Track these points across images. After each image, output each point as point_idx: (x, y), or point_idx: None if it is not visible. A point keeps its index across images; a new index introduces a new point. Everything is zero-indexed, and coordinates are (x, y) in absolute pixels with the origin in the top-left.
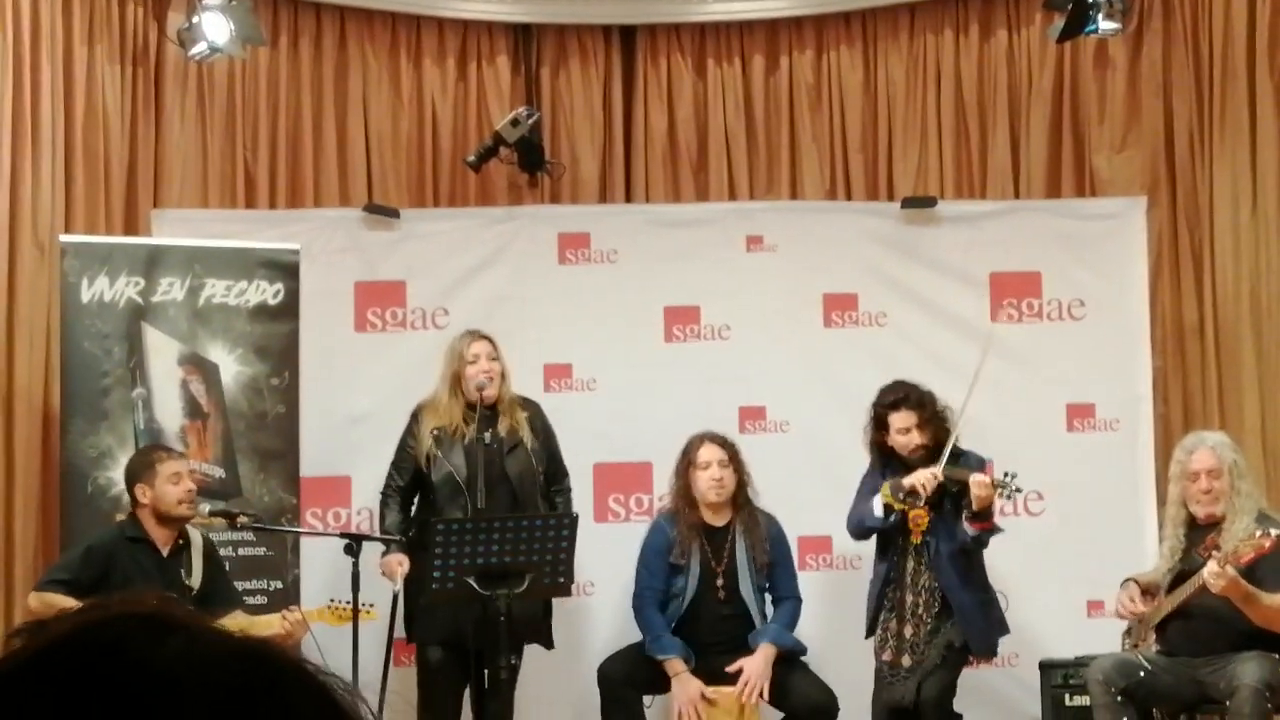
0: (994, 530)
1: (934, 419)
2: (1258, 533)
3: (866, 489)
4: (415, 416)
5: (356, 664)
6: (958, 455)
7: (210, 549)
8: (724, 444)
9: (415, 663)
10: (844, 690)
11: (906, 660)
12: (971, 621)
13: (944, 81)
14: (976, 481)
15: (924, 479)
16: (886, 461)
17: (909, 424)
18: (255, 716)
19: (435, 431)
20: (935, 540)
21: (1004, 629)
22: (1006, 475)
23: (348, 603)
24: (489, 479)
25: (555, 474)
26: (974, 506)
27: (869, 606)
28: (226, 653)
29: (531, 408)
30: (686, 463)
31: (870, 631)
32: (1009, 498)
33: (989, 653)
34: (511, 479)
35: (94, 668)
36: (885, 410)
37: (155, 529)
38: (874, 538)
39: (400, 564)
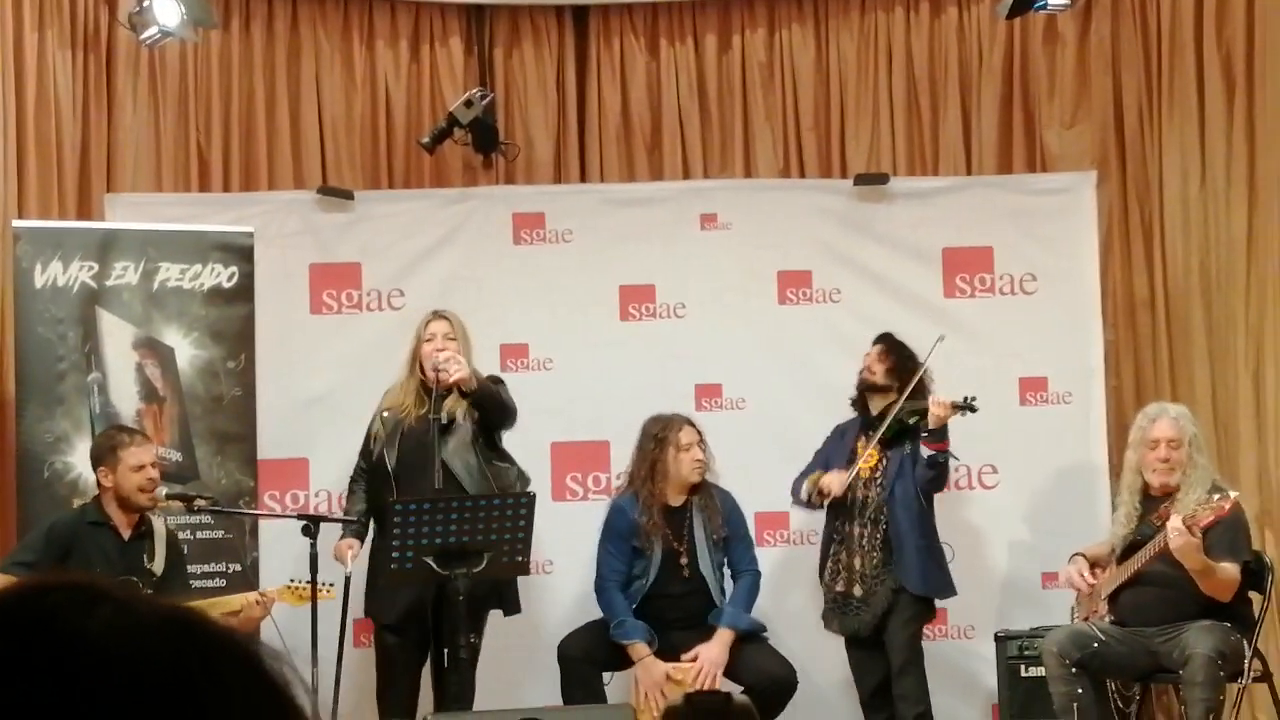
0: (949, 455)
1: (899, 355)
2: (1215, 496)
3: (820, 460)
4: (383, 398)
5: (315, 643)
6: (918, 411)
7: (173, 538)
8: (695, 426)
9: (374, 643)
10: (803, 663)
11: (858, 590)
12: (909, 560)
13: (895, 59)
14: (935, 401)
15: (833, 481)
16: (865, 413)
17: (875, 354)
18: (185, 686)
19: (385, 414)
20: (891, 479)
21: (947, 585)
22: (966, 397)
23: (307, 582)
24: (419, 468)
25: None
26: (930, 424)
27: (822, 543)
28: (157, 620)
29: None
30: (660, 442)
31: (822, 571)
32: (964, 414)
33: (927, 598)
34: (447, 463)
35: (24, 639)
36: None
37: (116, 513)
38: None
39: (350, 548)
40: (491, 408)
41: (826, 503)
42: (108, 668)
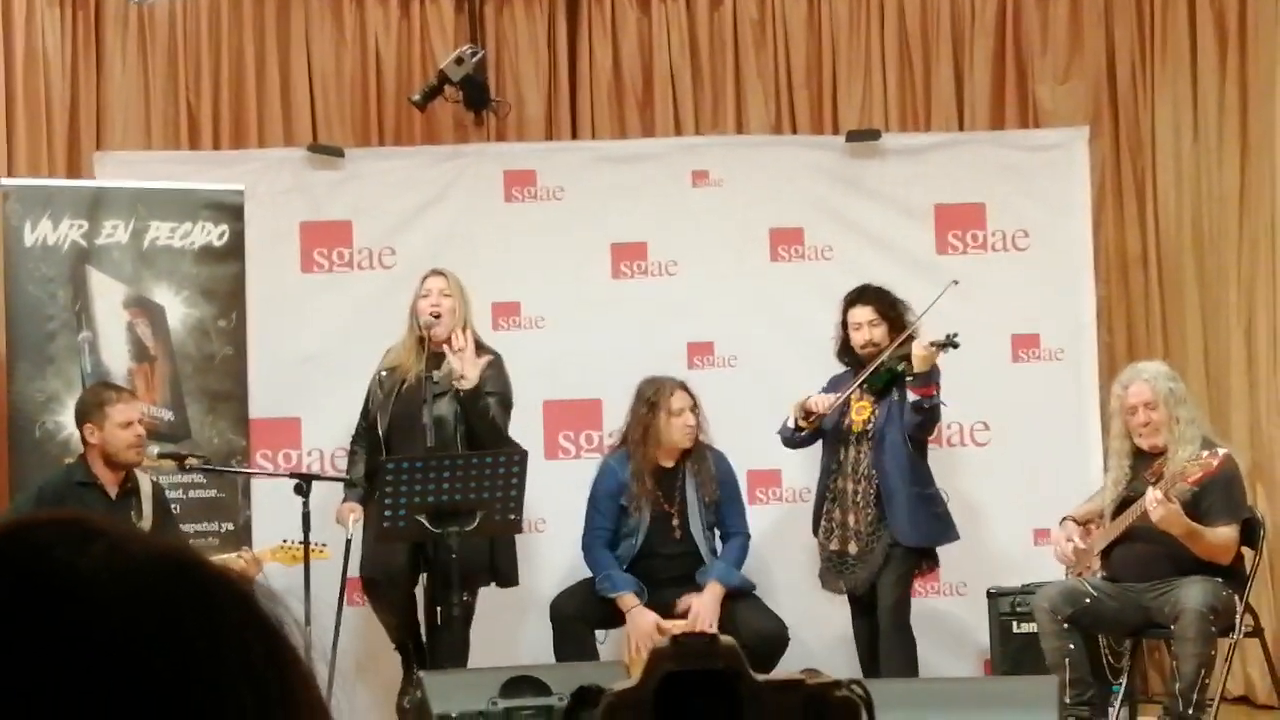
0: (936, 400)
1: (891, 314)
2: (1204, 453)
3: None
4: (383, 357)
5: (308, 603)
6: (905, 357)
7: (159, 494)
8: (688, 390)
9: (365, 595)
10: (794, 620)
11: (853, 548)
12: (900, 512)
13: (887, 15)
14: (918, 344)
15: (821, 401)
16: (855, 363)
17: (865, 318)
18: (179, 620)
19: (384, 374)
20: (879, 429)
21: (944, 532)
22: (948, 335)
23: (300, 542)
24: (408, 429)
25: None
26: (914, 367)
27: (815, 500)
28: (150, 558)
29: (488, 358)
30: (651, 406)
31: (816, 526)
32: (947, 351)
33: (923, 546)
34: (433, 425)
35: (13, 576)
36: (848, 306)
37: (103, 471)
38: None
39: (353, 511)
40: (482, 431)
41: (813, 426)
42: (99, 606)
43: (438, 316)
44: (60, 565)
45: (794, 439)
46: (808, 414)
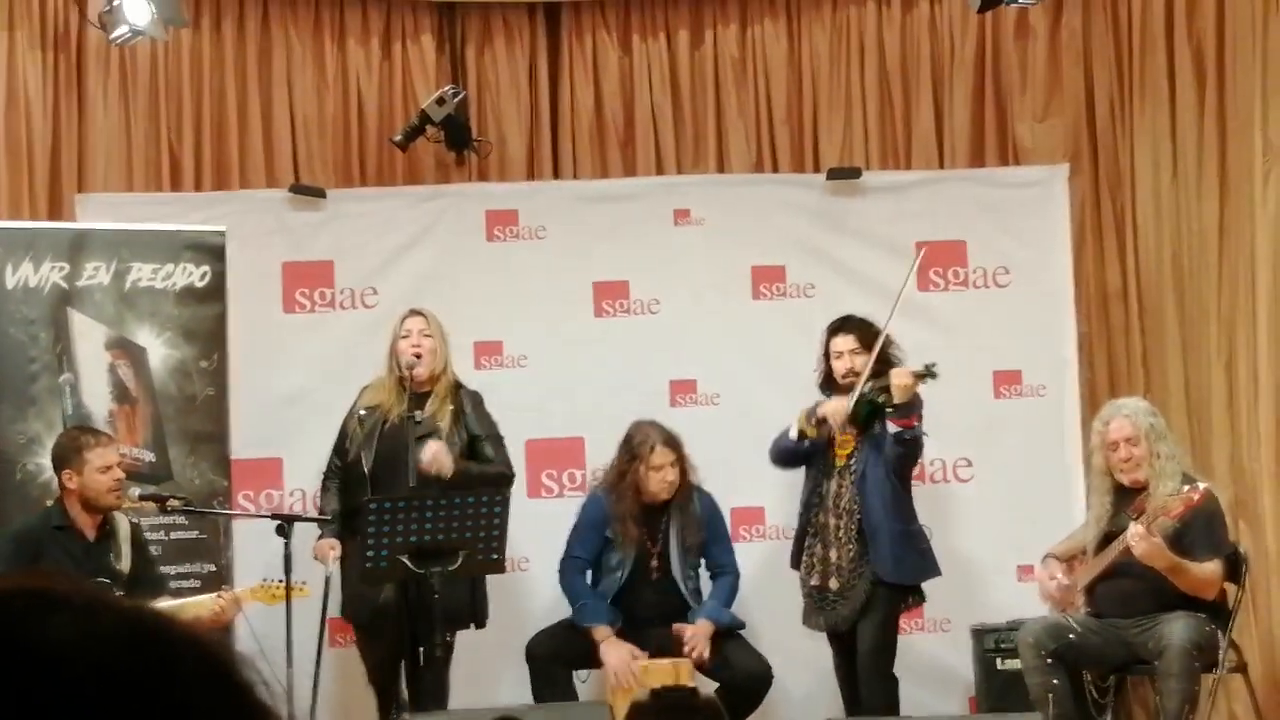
0: (917, 431)
1: (870, 338)
2: (1185, 488)
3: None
4: (359, 395)
5: (290, 644)
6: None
7: (137, 535)
8: (673, 444)
9: (356, 639)
10: (778, 659)
11: (834, 583)
12: (883, 549)
13: (867, 53)
14: (897, 372)
15: (834, 409)
16: (835, 392)
17: (847, 347)
18: (148, 696)
19: (363, 412)
20: (861, 463)
21: (926, 568)
22: (926, 365)
23: (281, 581)
24: (393, 468)
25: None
26: (895, 398)
27: (796, 534)
28: (119, 629)
29: (468, 398)
30: (634, 457)
31: (795, 560)
32: (926, 381)
33: (906, 584)
34: (415, 467)
35: None
36: (830, 335)
37: (80, 515)
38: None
39: (332, 548)
40: (487, 482)
41: (820, 435)
42: (66, 680)
43: (419, 356)
44: (30, 640)
45: (796, 450)
46: (820, 422)
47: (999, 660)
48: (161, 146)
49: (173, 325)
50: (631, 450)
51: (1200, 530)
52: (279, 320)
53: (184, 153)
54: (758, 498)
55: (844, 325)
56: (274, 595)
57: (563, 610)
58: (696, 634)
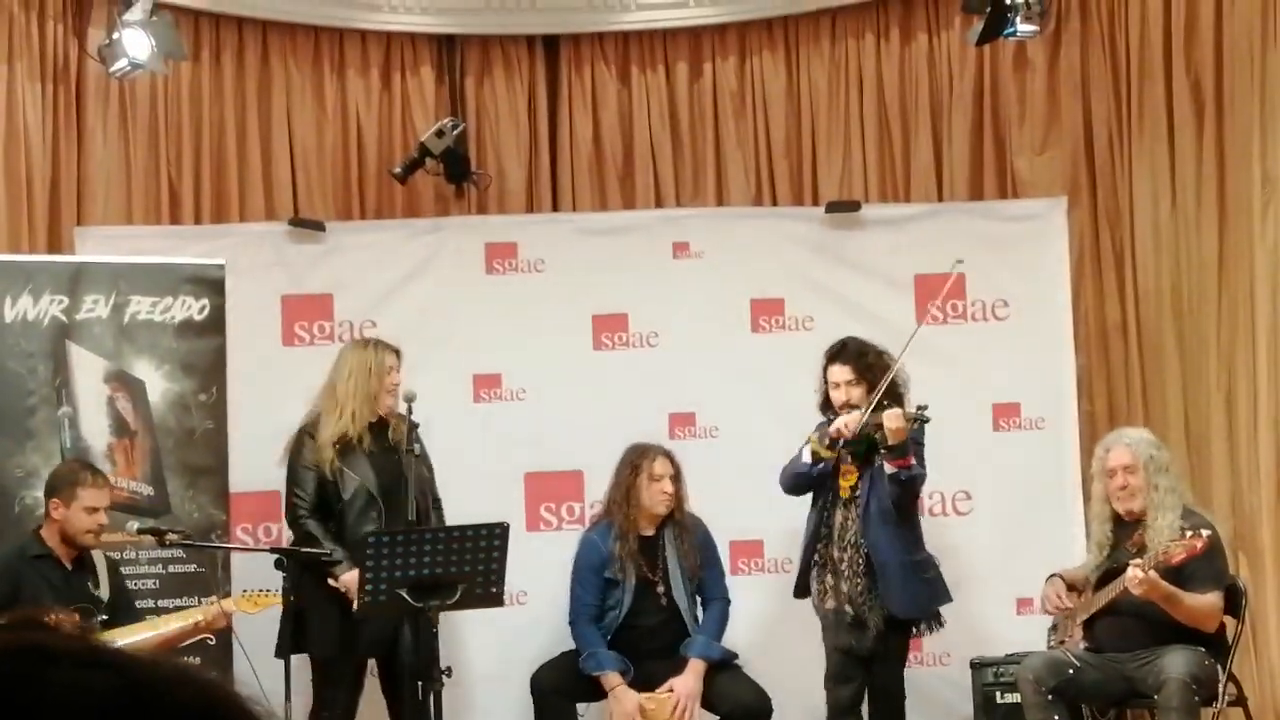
0: (914, 471)
1: (869, 376)
2: (1188, 533)
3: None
4: (306, 433)
5: (289, 678)
6: (885, 405)
7: (113, 566)
8: (672, 459)
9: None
10: (777, 691)
11: (849, 609)
12: (893, 585)
13: (866, 86)
14: (889, 415)
15: (846, 420)
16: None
17: (843, 378)
18: None
19: (337, 445)
20: (866, 495)
21: (937, 596)
22: (918, 408)
23: (263, 590)
24: (398, 487)
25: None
26: (888, 440)
27: (801, 564)
28: (116, 684)
29: (404, 421)
30: (634, 471)
31: (799, 590)
32: (919, 426)
33: (917, 618)
34: (413, 486)
35: None
36: (828, 362)
37: (59, 545)
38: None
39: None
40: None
41: (835, 455)
42: None
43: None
44: (26, 698)
45: (809, 475)
46: (833, 441)
47: (999, 693)
48: (161, 179)
49: (172, 358)
50: (632, 464)
51: (1201, 562)
52: (278, 353)
53: (183, 186)
54: (757, 530)
55: (840, 354)
56: (255, 603)
57: (564, 643)
58: (682, 699)
